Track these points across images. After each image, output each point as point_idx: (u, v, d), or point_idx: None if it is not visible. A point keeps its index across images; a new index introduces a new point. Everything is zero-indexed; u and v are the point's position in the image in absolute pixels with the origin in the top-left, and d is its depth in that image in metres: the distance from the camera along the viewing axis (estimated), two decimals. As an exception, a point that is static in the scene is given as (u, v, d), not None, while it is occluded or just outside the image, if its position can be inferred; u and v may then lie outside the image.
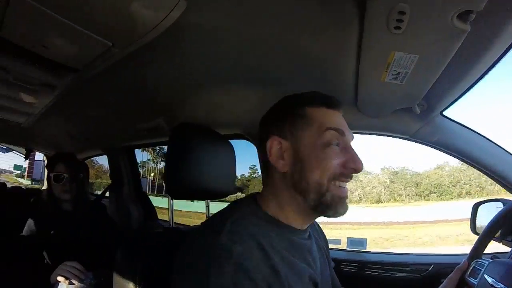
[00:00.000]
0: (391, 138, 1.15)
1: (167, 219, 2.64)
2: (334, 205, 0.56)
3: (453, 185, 26.36)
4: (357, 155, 0.57)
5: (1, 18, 0.74)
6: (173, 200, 2.29)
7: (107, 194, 2.13)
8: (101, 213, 1.57)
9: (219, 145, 0.80)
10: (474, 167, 1.06)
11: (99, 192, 2.35)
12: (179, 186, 0.74)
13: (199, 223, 0.72)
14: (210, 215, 0.99)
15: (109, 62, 0.88)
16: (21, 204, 1.67)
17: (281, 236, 0.56)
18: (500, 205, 0.98)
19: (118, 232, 1.58)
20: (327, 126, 0.57)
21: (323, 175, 0.55)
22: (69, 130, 2.04)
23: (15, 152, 3.93)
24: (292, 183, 0.58)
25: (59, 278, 1.05)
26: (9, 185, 2.98)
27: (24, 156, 3.23)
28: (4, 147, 3.78)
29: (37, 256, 1.30)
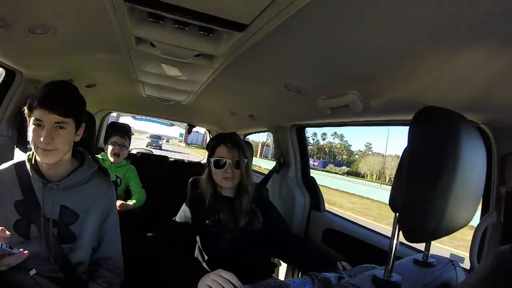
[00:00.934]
0: None
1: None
2: None
3: None
4: None
5: None
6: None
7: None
8: (263, 200, 1.32)
9: (475, 143, 0.52)
10: None
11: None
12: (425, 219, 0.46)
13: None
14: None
15: (289, 10, 0.61)
16: (180, 179, 1.70)
17: None
18: None
19: (284, 225, 1.32)
20: None
21: None
22: (230, 106, 1.93)
23: (177, 125, 4.73)
24: None
25: None
26: (174, 150, 3.46)
27: (185, 129, 3.72)
28: (168, 123, 4.57)
29: (189, 248, 1.17)
